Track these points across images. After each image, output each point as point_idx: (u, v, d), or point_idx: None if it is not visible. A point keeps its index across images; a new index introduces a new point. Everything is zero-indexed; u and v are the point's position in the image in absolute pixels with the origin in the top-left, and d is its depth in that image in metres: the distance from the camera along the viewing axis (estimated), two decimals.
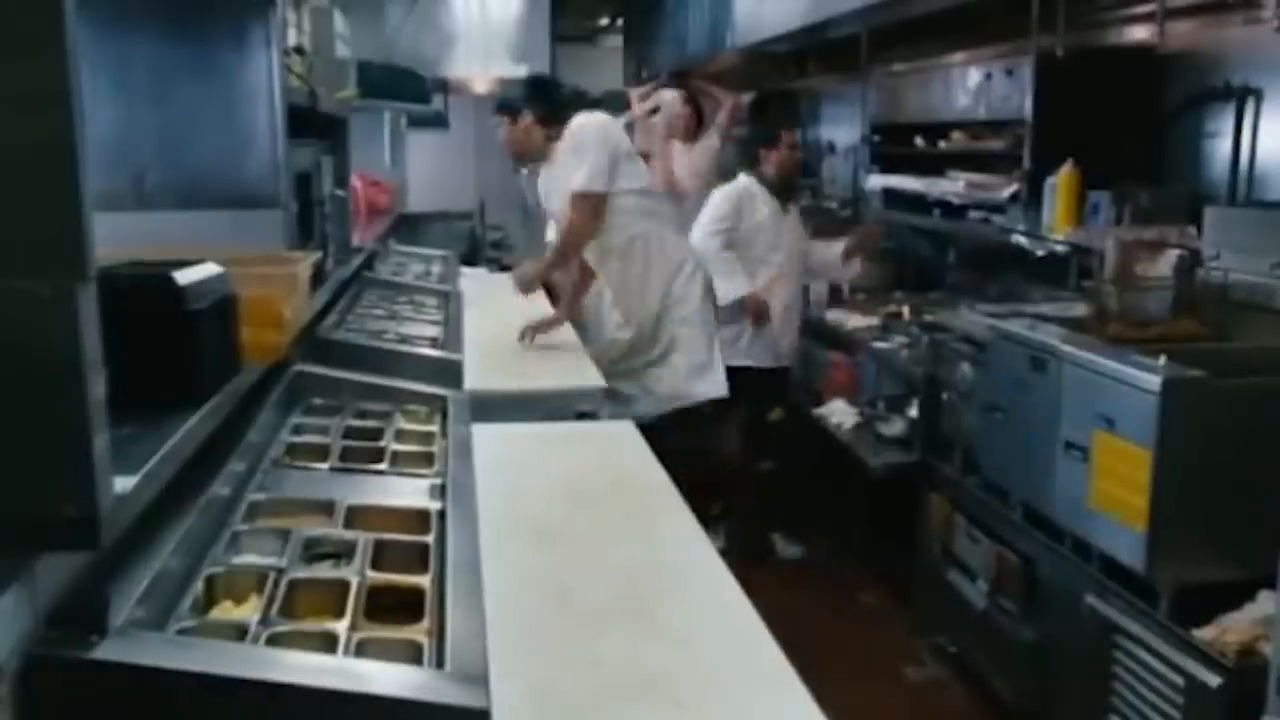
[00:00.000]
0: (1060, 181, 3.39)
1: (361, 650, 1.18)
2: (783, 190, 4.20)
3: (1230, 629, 2.19)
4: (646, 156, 4.12)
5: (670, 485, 2.26)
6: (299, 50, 2.54)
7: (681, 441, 3.52)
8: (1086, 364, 2.54)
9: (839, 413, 4.07)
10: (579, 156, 3.45)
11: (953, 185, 4.14)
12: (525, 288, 3.64)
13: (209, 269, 1.34)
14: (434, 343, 2.87)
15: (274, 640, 1.17)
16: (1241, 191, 3.12)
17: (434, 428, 2.13)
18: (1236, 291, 2.83)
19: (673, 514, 2.09)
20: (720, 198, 4.18)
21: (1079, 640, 2.58)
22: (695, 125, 5.48)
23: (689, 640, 1.55)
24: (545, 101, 3.56)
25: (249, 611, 1.25)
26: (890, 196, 4.82)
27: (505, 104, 3.60)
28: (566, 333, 3.62)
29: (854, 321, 4.40)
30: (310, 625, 1.23)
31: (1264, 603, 2.17)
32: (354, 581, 1.32)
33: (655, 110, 4.97)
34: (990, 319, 3.12)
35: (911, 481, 3.54)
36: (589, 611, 1.64)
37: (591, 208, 3.44)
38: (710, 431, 3.90)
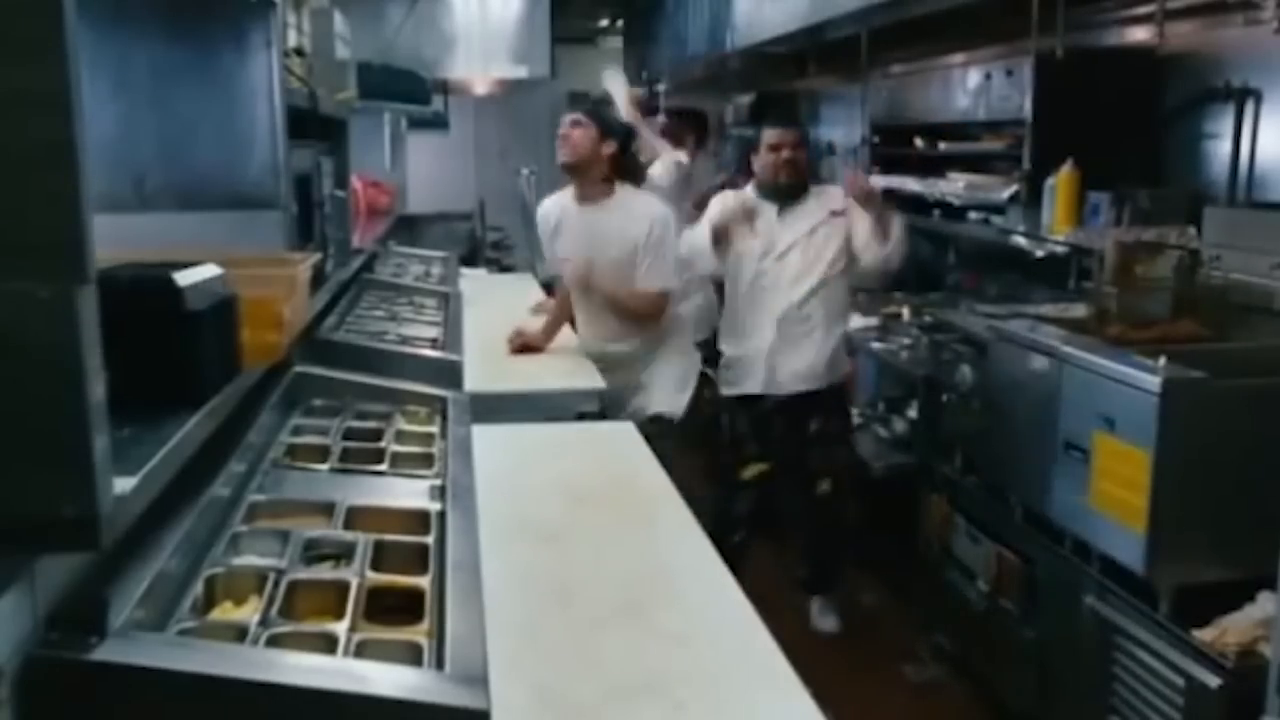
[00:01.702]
0: (1060, 182, 3.39)
1: (361, 651, 1.18)
2: (778, 194, 3.76)
3: (1230, 630, 2.19)
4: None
5: (669, 485, 2.26)
6: (299, 51, 2.54)
7: None
8: (1086, 365, 2.54)
9: None
10: (658, 251, 3.31)
11: (952, 186, 4.14)
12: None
13: (209, 270, 1.33)
14: (434, 344, 2.86)
15: (274, 641, 1.17)
16: (1241, 192, 3.12)
17: (434, 429, 2.12)
18: (1236, 292, 2.83)
19: (672, 514, 2.09)
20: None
21: (1079, 641, 2.58)
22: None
23: (689, 640, 1.55)
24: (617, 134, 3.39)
25: (249, 612, 1.25)
26: (890, 197, 4.80)
27: (600, 116, 3.40)
28: (564, 334, 3.61)
29: (854, 322, 4.39)
30: (310, 626, 1.23)
31: (1264, 603, 2.18)
32: (354, 582, 1.32)
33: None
34: (990, 319, 3.12)
35: (911, 482, 3.54)
36: (589, 611, 1.65)
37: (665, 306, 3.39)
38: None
